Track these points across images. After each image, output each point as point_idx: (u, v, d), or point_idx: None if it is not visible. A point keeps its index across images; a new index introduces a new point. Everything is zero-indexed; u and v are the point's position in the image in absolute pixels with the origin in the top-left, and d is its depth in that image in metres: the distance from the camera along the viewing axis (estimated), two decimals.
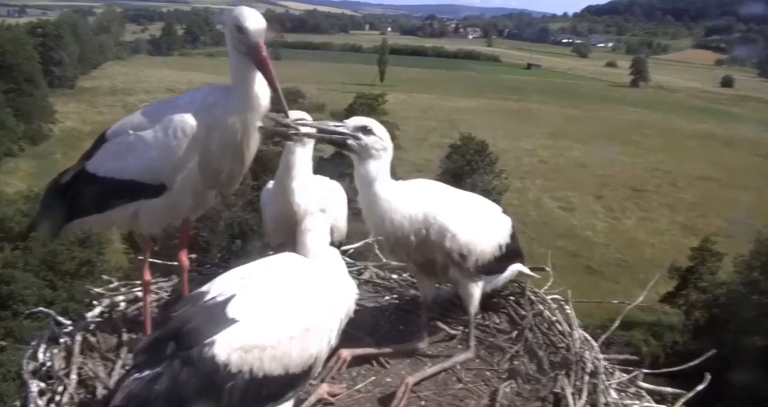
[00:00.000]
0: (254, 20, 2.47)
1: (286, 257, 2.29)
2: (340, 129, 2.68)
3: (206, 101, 2.57)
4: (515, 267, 3.30)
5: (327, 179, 3.42)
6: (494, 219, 3.03)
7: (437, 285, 3.25)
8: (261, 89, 2.54)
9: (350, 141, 2.67)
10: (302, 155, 3.10)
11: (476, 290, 2.96)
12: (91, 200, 2.73)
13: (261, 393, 1.92)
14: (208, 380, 1.84)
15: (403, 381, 2.71)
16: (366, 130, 2.68)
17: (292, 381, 2.00)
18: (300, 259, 2.27)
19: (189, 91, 2.76)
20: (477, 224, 2.88)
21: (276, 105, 2.61)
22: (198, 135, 2.54)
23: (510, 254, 3.07)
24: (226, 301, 1.94)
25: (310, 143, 3.11)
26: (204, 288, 2.06)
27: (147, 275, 2.87)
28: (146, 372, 1.85)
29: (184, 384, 1.82)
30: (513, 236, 3.08)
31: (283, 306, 2.00)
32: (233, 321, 1.90)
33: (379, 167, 2.72)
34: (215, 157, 2.59)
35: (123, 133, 2.66)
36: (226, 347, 1.86)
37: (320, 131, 2.69)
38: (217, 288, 2.02)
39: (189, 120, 2.54)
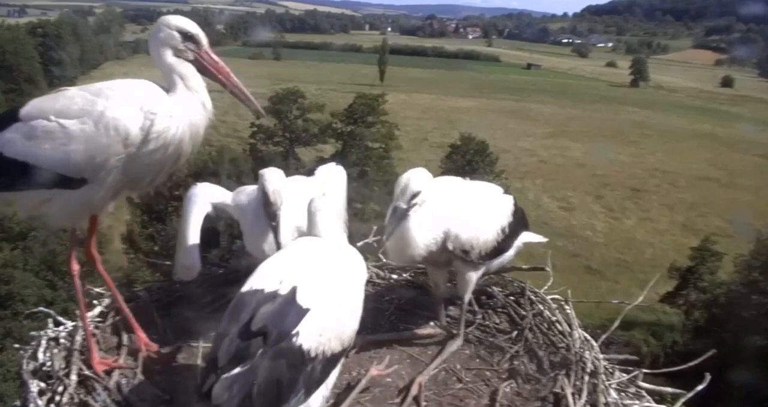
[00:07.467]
0: (196, 26, 2.41)
1: (310, 241, 2.39)
2: (400, 208, 2.70)
3: (146, 104, 2.38)
4: (521, 240, 3.29)
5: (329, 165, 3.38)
6: (495, 205, 3.05)
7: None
8: (208, 100, 2.47)
9: (411, 212, 2.73)
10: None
11: (474, 276, 3.02)
12: None
13: (327, 370, 2.12)
14: (296, 367, 2.01)
15: (414, 381, 2.73)
16: (418, 195, 2.72)
17: (342, 354, 2.20)
18: (323, 242, 2.37)
19: (114, 81, 2.51)
20: (479, 218, 2.91)
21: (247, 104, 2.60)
22: (131, 137, 2.35)
23: (513, 231, 3.09)
24: (293, 293, 2.07)
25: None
26: (257, 286, 2.12)
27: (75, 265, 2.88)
28: (237, 370, 1.95)
29: (278, 374, 1.97)
30: (515, 213, 3.10)
31: (336, 289, 2.19)
32: (307, 311, 2.05)
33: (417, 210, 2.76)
34: (142, 163, 2.43)
35: (41, 117, 2.42)
36: (308, 335, 2.03)
37: (392, 228, 2.72)
38: (273, 281, 2.11)
39: (124, 118, 2.34)
